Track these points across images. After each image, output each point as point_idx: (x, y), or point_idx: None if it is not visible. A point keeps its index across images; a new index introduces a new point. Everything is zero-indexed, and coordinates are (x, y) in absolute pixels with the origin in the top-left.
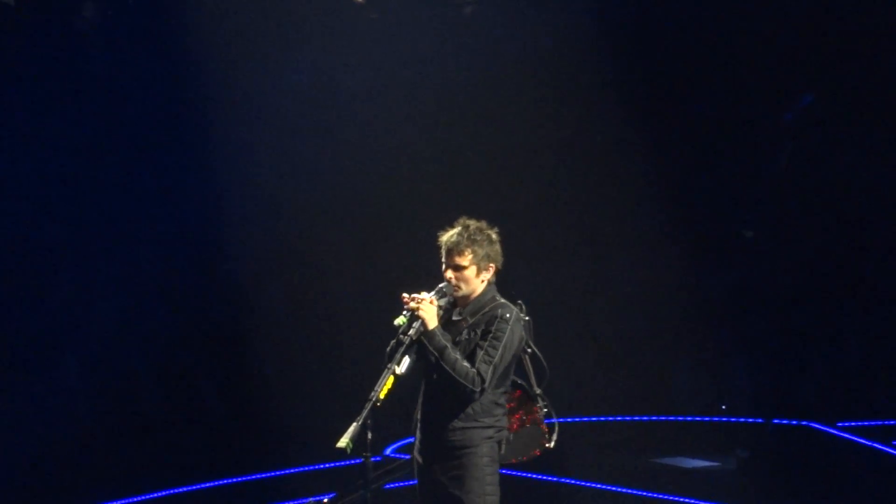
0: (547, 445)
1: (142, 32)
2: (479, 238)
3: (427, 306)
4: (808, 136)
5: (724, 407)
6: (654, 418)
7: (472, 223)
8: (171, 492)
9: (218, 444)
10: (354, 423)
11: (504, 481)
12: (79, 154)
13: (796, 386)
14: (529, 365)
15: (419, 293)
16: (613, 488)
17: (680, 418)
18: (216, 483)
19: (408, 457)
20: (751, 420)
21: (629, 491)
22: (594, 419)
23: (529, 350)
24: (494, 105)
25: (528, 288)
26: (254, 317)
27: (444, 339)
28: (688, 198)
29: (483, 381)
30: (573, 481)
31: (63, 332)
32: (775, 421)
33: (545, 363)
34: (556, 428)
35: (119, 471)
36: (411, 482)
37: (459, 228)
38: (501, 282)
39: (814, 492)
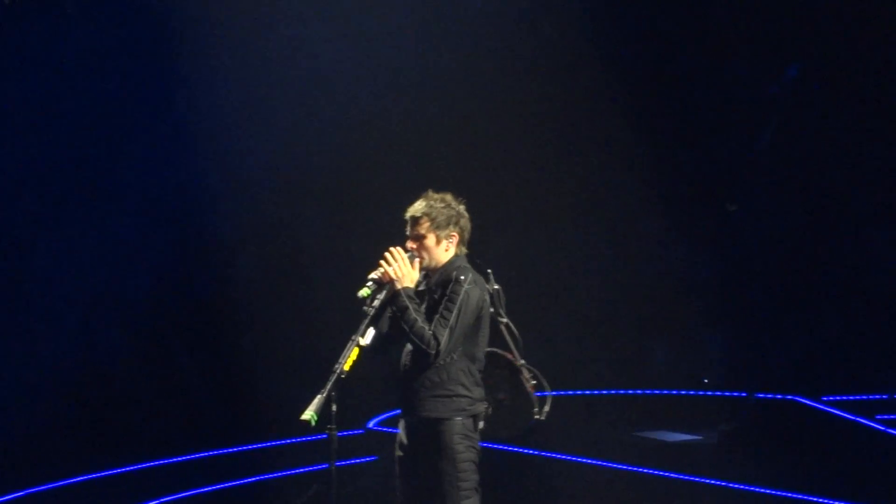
0: (537, 417)
1: (119, 9)
2: (437, 206)
3: (404, 266)
4: (792, 109)
5: (705, 381)
6: (634, 392)
7: (435, 194)
8: (149, 465)
9: (196, 417)
10: (319, 396)
11: (484, 455)
12: (57, 128)
13: (775, 359)
14: (508, 336)
15: (379, 265)
16: (594, 462)
17: (661, 392)
18: (194, 456)
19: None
20: (733, 394)
21: (610, 464)
22: (573, 393)
23: (504, 320)
24: (475, 80)
25: (507, 262)
26: (231, 289)
27: (408, 301)
28: (668, 172)
29: (438, 343)
30: (554, 455)
31: (39, 305)
32: (758, 395)
33: (517, 334)
34: (549, 399)
35: (96, 444)
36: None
37: (421, 199)
38: (473, 254)
39: (796, 465)
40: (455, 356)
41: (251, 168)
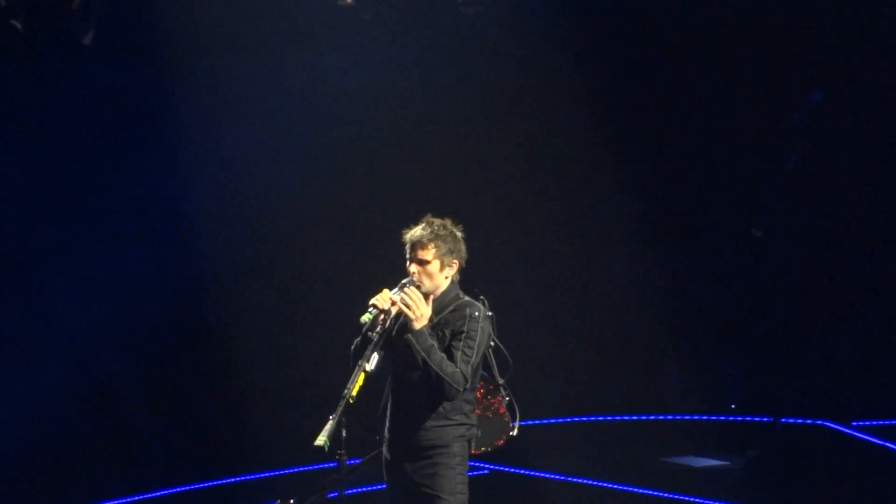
0: (512, 433)
1: (131, 36)
2: (442, 233)
3: (423, 306)
4: (817, 135)
5: (733, 406)
6: (660, 417)
7: (437, 220)
8: (159, 494)
9: (205, 445)
10: (330, 421)
11: (513, 480)
12: (66, 157)
13: (793, 384)
14: (492, 358)
15: (381, 291)
16: (623, 488)
17: (687, 417)
18: (204, 485)
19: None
20: (759, 419)
21: (639, 490)
22: (599, 419)
23: (493, 344)
24: (485, 106)
25: (517, 288)
26: (242, 317)
27: (430, 339)
28: (683, 197)
29: (466, 381)
30: (582, 480)
31: (48, 335)
32: (784, 420)
33: (509, 356)
34: (517, 417)
35: (105, 473)
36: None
37: (424, 224)
38: (472, 279)
39: (825, 491)
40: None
41: (263, 195)
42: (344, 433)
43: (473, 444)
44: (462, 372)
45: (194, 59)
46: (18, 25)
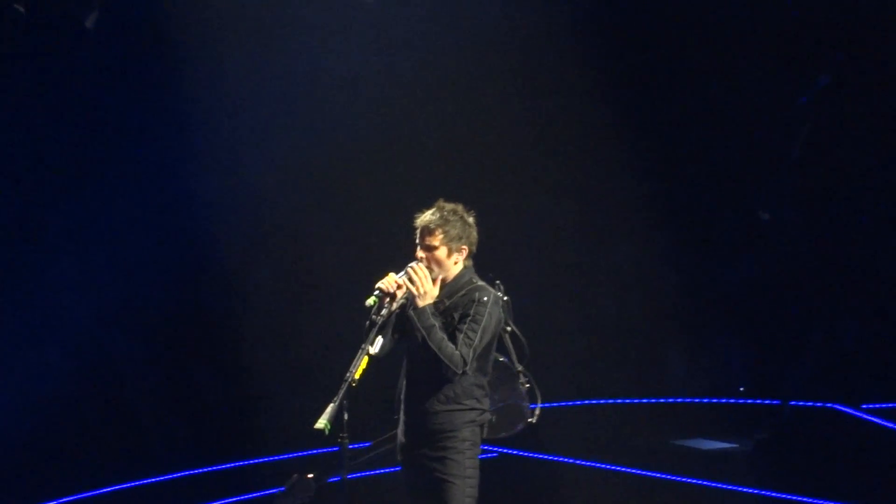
0: (530, 420)
1: (128, 25)
2: (451, 219)
3: (427, 283)
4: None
5: (741, 389)
6: (669, 400)
7: (448, 205)
8: (162, 479)
9: (210, 430)
10: (332, 404)
11: (520, 464)
12: (69, 140)
13: (796, 368)
14: (510, 343)
15: (387, 275)
16: (631, 470)
17: (696, 400)
18: (208, 469)
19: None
20: (767, 402)
21: (647, 473)
22: (606, 402)
23: (509, 329)
24: (488, 89)
25: (525, 272)
26: (245, 300)
27: (433, 318)
28: (688, 181)
29: (465, 363)
30: (591, 464)
31: (51, 319)
32: (792, 403)
33: (524, 341)
34: (539, 403)
35: (107, 457)
36: (392, 469)
37: (434, 209)
38: (481, 264)
39: (834, 474)
40: (469, 371)
41: (265, 178)
42: (346, 416)
43: (486, 430)
44: (461, 354)
45: (198, 42)
46: (21, 9)
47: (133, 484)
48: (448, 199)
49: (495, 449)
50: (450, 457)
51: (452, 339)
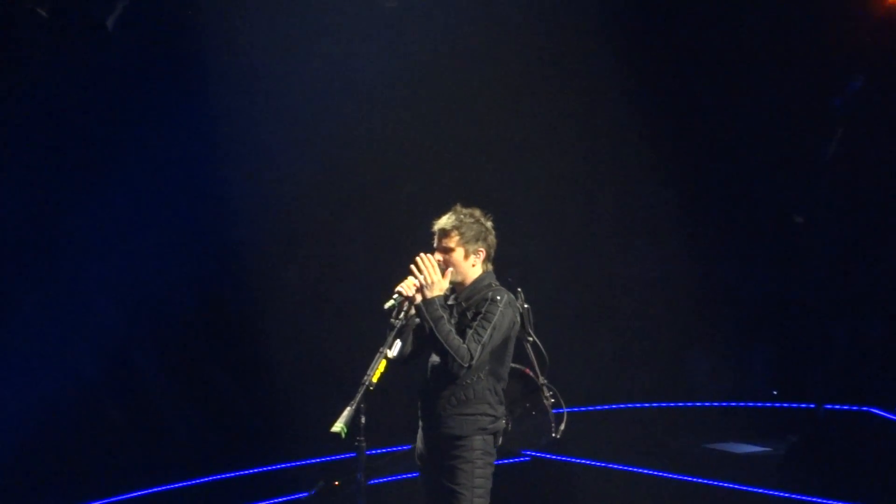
0: (554, 435)
1: (152, 25)
2: (467, 221)
3: (434, 274)
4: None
5: (775, 392)
6: (700, 404)
7: (464, 209)
8: (186, 484)
9: (232, 433)
10: (348, 408)
11: (554, 467)
12: (93, 140)
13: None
14: (532, 354)
15: (406, 278)
16: (664, 474)
17: (729, 404)
18: (233, 474)
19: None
20: (801, 405)
21: (680, 477)
22: (637, 406)
23: (531, 339)
24: (513, 92)
25: (548, 275)
26: (271, 302)
27: (441, 311)
28: (713, 184)
29: (472, 357)
30: (623, 467)
31: (75, 321)
32: (827, 406)
33: (545, 352)
34: (565, 418)
35: (131, 461)
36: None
37: (450, 213)
38: (502, 266)
39: (869, 477)
40: (482, 375)
41: (292, 181)
42: (363, 420)
43: (502, 439)
44: (469, 349)
45: (225, 43)
46: (44, 13)
47: (157, 489)
48: (469, 203)
49: (528, 453)
50: (459, 466)
51: (464, 336)
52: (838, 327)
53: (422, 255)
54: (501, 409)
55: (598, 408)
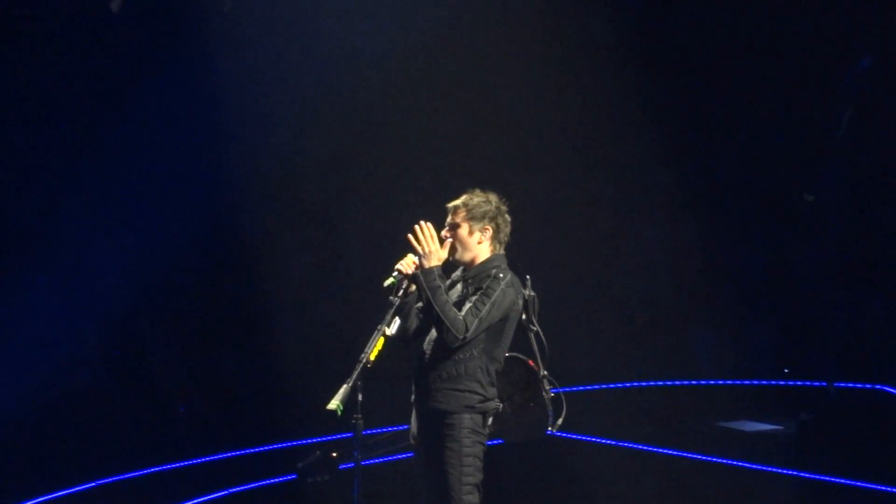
0: (550, 429)
1: (156, 4)
2: (476, 199)
3: (432, 243)
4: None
5: (785, 370)
6: (710, 382)
7: (480, 191)
8: (190, 463)
9: (238, 414)
10: (345, 385)
11: (563, 445)
12: (101, 121)
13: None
14: (536, 345)
15: (406, 256)
16: (676, 452)
17: (744, 382)
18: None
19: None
20: (812, 384)
21: (692, 455)
22: (647, 384)
23: (534, 328)
24: (518, 73)
25: (553, 258)
26: (272, 283)
27: (440, 281)
28: (713, 162)
29: (467, 329)
30: (634, 445)
31: (77, 300)
32: (838, 384)
33: (545, 342)
34: (564, 412)
35: (135, 441)
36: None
37: (465, 193)
38: (515, 256)
39: (880, 455)
40: (475, 352)
41: (294, 164)
42: (360, 397)
43: (492, 421)
44: (464, 320)
45: (227, 25)
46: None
47: (164, 468)
48: (473, 183)
49: None
50: (447, 444)
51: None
52: (843, 304)
53: (421, 223)
54: (493, 391)
55: (608, 386)
